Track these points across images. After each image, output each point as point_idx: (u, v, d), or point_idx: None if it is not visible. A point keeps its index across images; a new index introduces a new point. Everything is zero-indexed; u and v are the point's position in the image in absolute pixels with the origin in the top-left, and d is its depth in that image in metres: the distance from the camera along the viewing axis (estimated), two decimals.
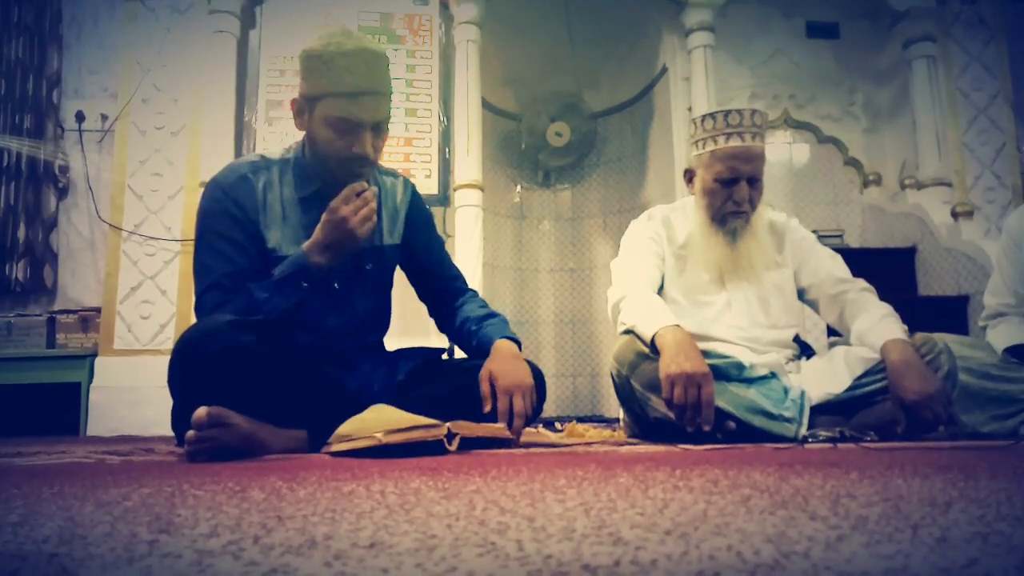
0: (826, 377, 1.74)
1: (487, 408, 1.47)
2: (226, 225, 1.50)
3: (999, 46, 4.09)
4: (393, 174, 1.77)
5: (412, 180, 3.26)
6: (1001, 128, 4.02)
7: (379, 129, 1.51)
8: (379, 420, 1.29)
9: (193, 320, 1.48)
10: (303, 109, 1.52)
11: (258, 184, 1.54)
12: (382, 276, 1.69)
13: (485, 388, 1.49)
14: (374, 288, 1.66)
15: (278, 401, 1.37)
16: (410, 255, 1.73)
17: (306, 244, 1.45)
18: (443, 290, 1.78)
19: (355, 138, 1.47)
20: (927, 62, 3.81)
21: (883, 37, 4.10)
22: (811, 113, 4.16)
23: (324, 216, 1.44)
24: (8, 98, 3.68)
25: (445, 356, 1.77)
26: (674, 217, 1.96)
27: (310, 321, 1.51)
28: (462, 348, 1.75)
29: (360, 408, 1.41)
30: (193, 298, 1.54)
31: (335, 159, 1.50)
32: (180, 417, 1.34)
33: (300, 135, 1.61)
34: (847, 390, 1.70)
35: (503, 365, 1.52)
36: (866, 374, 1.71)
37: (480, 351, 1.62)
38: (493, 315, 1.71)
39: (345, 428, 1.32)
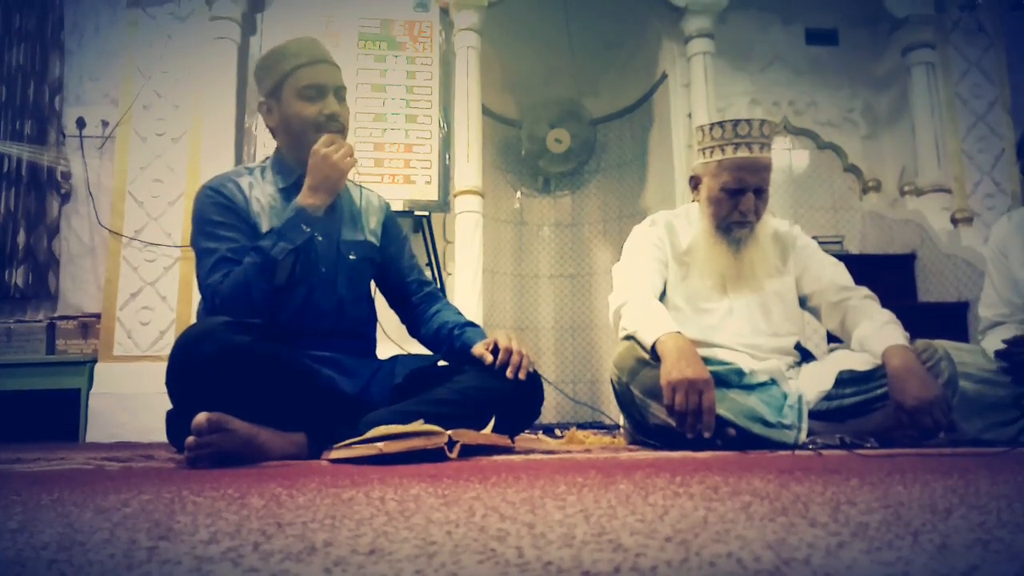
0: (820, 377, 1.74)
1: (488, 360, 1.59)
2: (222, 214, 1.60)
3: (998, 53, 4.09)
4: (368, 189, 1.89)
5: (412, 186, 3.32)
6: (1000, 135, 4.02)
7: (340, 96, 1.67)
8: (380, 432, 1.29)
9: (192, 324, 1.50)
10: (271, 106, 1.68)
11: (243, 184, 1.65)
12: (362, 269, 1.75)
13: (482, 351, 1.61)
14: (356, 279, 1.73)
15: (276, 403, 1.37)
16: (385, 259, 1.81)
17: (299, 196, 1.56)
18: (417, 296, 1.85)
19: (324, 101, 1.64)
20: (926, 68, 3.82)
21: (882, 44, 4.11)
22: (810, 119, 4.17)
23: (309, 162, 1.56)
24: (9, 104, 3.68)
25: (443, 363, 1.78)
26: (677, 223, 1.96)
27: (298, 302, 1.60)
28: (438, 350, 1.78)
29: (359, 411, 1.41)
30: (192, 305, 1.57)
31: (311, 126, 1.62)
32: (178, 422, 1.35)
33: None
34: (846, 394, 1.70)
35: (494, 333, 1.69)
36: (866, 379, 1.71)
37: (463, 353, 1.68)
38: (472, 324, 1.79)
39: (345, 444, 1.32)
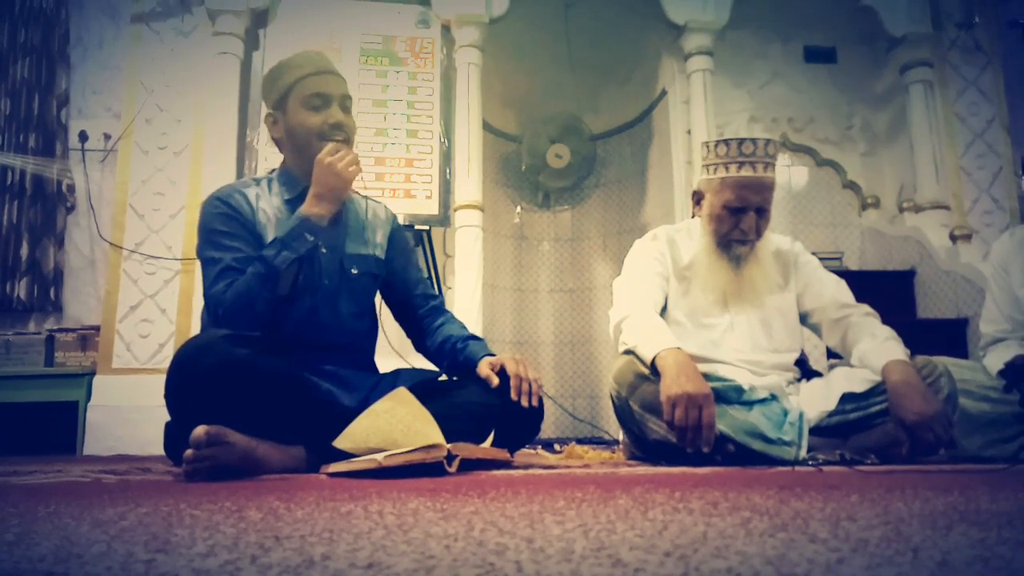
0: (822, 396, 1.74)
1: (495, 383, 1.59)
2: (227, 224, 1.61)
3: (995, 71, 4.12)
4: (376, 201, 1.89)
5: (413, 200, 3.33)
6: (998, 152, 4.04)
7: (346, 107, 1.68)
8: (389, 429, 1.30)
9: (192, 335, 1.50)
10: (277, 118, 1.70)
11: (250, 194, 1.66)
12: (365, 284, 1.75)
13: (487, 372, 1.62)
14: (359, 293, 1.73)
15: (275, 417, 1.37)
16: (391, 272, 1.81)
17: (303, 205, 1.56)
18: (422, 309, 1.85)
19: (328, 111, 1.64)
20: (924, 87, 3.84)
21: (880, 62, 4.13)
22: (809, 136, 4.19)
23: (314, 171, 1.57)
24: (14, 117, 3.70)
25: (443, 378, 1.77)
26: (679, 238, 1.97)
27: (301, 315, 1.60)
28: (441, 365, 1.79)
29: None
30: (193, 316, 1.57)
31: (315, 135, 1.63)
32: (177, 435, 1.34)
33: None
34: (846, 411, 1.70)
35: (501, 356, 1.67)
36: (866, 395, 1.70)
37: (465, 367, 1.70)
38: (475, 337, 1.79)
39: (359, 426, 1.32)
